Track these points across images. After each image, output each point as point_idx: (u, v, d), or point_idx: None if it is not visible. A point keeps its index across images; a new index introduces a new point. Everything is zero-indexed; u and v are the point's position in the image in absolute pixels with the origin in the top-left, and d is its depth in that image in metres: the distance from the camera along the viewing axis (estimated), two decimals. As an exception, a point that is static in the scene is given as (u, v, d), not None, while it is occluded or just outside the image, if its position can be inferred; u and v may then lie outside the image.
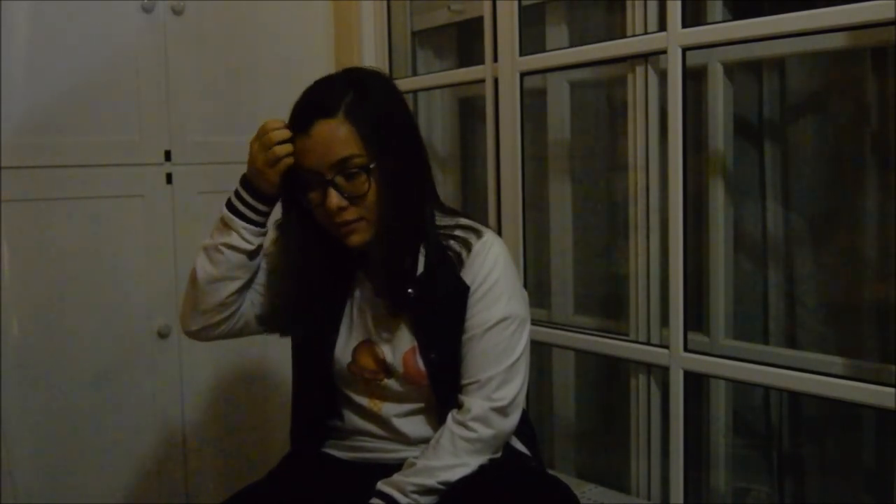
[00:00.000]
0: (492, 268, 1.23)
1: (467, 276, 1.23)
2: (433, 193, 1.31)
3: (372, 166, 1.16)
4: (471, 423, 1.19)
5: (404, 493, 1.15)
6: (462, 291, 1.22)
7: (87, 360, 1.80)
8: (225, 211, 1.24)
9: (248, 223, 1.23)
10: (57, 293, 1.76)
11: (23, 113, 1.69)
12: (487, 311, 1.22)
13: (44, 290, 1.75)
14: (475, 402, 1.20)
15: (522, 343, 1.25)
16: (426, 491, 1.15)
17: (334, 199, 1.16)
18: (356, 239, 1.20)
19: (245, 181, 1.23)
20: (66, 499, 1.77)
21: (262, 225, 1.25)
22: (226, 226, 1.24)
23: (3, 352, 1.69)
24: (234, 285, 1.26)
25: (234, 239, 1.23)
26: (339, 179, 1.16)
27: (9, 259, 1.70)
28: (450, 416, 1.22)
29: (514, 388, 1.22)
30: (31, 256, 1.73)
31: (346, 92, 1.17)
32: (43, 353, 1.74)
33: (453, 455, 1.18)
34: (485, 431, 1.19)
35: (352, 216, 1.18)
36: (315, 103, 1.19)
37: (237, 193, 1.23)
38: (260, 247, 1.27)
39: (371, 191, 1.17)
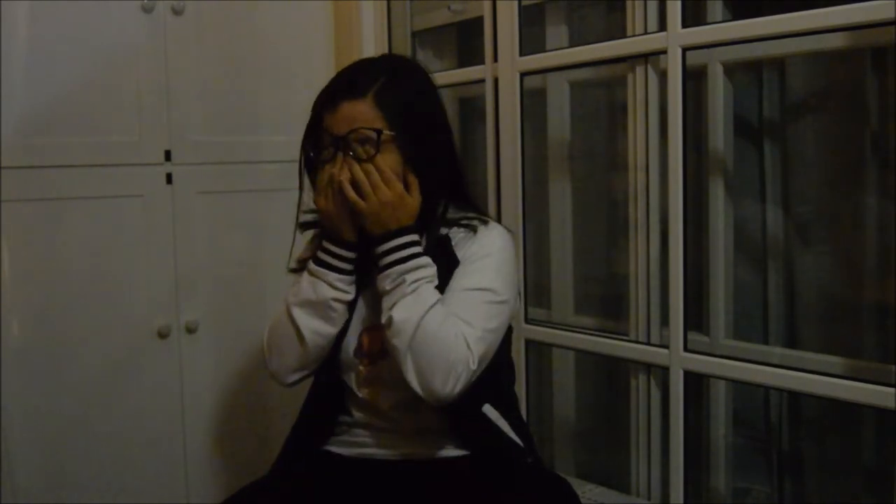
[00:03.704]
0: (488, 249, 1.24)
1: (462, 254, 1.24)
2: (455, 190, 1.31)
3: (387, 133, 1.18)
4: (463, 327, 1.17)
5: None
6: (453, 266, 1.22)
7: (87, 360, 1.80)
8: (315, 267, 1.24)
9: (341, 273, 1.23)
10: (57, 293, 1.76)
11: (23, 113, 1.69)
12: (469, 277, 1.21)
13: (44, 290, 1.74)
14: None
15: (501, 320, 1.22)
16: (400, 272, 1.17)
17: (338, 163, 1.19)
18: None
19: (324, 236, 1.25)
20: (66, 499, 1.77)
21: (353, 273, 1.25)
22: (320, 280, 1.24)
23: (3, 352, 1.69)
24: (335, 336, 1.28)
25: (338, 293, 1.24)
26: (353, 138, 1.18)
27: (9, 259, 1.70)
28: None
29: (483, 351, 1.17)
30: (31, 256, 1.73)
31: (379, 77, 1.20)
32: (43, 353, 1.74)
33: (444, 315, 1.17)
34: (460, 344, 1.15)
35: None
36: (347, 84, 1.21)
37: (323, 248, 1.24)
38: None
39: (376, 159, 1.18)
